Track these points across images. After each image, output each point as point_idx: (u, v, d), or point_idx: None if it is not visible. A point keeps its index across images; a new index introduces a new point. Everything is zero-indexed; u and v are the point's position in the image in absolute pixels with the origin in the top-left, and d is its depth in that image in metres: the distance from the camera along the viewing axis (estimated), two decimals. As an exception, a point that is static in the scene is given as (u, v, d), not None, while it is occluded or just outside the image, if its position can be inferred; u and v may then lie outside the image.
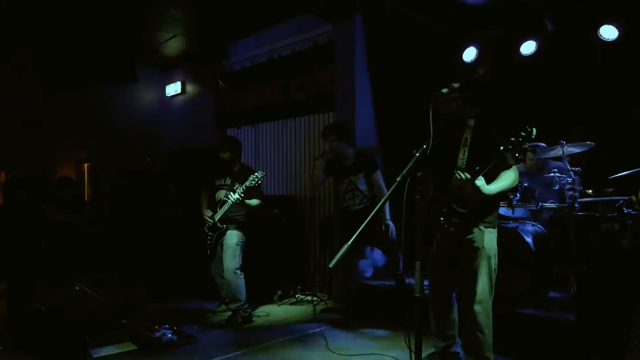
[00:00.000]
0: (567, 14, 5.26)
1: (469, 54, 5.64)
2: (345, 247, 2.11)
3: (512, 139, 2.52)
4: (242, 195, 4.37)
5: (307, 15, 5.95)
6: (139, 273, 5.57)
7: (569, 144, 4.20)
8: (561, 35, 5.24)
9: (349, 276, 4.71)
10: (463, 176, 2.72)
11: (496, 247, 3.00)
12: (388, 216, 4.54)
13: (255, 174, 4.39)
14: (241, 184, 4.43)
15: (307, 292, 5.59)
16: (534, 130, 2.48)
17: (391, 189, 2.28)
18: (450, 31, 5.75)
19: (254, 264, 4.95)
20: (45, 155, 7.34)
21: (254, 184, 4.37)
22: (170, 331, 3.89)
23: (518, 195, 4.27)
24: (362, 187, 4.53)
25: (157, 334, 3.83)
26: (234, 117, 7.28)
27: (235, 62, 7.27)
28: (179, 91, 8.29)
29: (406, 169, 2.30)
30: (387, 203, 4.62)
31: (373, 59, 5.42)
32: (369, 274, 5.33)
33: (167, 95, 8.55)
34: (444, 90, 2.70)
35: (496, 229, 3.04)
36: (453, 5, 5.40)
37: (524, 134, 2.50)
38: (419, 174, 2.34)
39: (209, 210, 4.74)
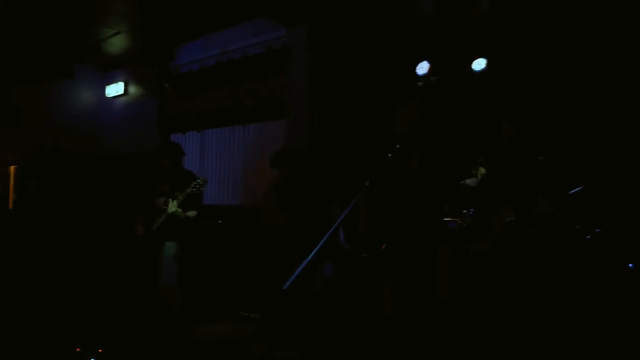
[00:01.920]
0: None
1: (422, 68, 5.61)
2: (302, 265, 1.91)
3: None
4: (180, 208, 4.06)
5: (260, 19, 5.75)
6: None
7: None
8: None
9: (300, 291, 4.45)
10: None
11: None
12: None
13: (197, 180, 4.08)
14: (182, 191, 4.10)
15: (251, 310, 5.27)
16: None
17: (358, 195, 2.19)
18: (402, 43, 5.70)
19: (195, 277, 4.60)
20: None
21: (195, 191, 4.05)
22: (95, 357, 3.48)
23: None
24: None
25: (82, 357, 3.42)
26: (179, 122, 6.92)
27: (182, 64, 6.93)
28: (121, 92, 7.81)
29: (375, 173, 2.15)
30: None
31: (326, 66, 5.26)
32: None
33: (107, 95, 8.03)
34: (419, 84, 2.55)
35: None
36: (405, 17, 5.38)
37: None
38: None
39: (144, 226, 4.36)
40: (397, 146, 2.28)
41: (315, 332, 4.32)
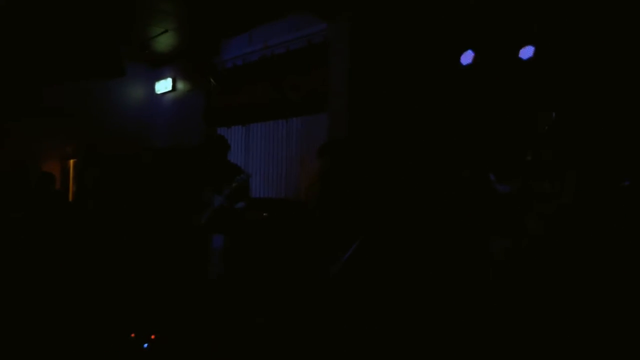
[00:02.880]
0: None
1: (467, 58, 5.49)
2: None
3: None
4: (227, 200, 4.18)
5: (301, 13, 5.78)
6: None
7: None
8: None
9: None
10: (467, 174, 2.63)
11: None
12: None
13: (241, 175, 4.20)
14: (227, 185, 4.24)
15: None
16: None
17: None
18: (447, 33, 5.59)
19: (242, 270, 4.74)
20: (28, 151, 7.12)
21: (238, 186, 4.18)
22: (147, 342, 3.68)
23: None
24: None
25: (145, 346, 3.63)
26: (224, 116, 7.10)
27: (227, 59, 7.09)
28: (170, 88, 8.09)
29: None
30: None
31: (368, 59, 5.24)
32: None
33: (156, 92, 8.34)
34: None
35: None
36: (450, 6, 5.27)
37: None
38: None
39: (194, 219, 4.54)
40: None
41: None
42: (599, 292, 3.23)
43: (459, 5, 5.34)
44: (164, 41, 7.24)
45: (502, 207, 2.89)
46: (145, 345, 3.70)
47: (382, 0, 5.09)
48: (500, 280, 2.88)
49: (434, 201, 2.99)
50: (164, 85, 8.19)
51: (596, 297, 3.21)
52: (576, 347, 2.72)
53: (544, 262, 2.73)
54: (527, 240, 2.85)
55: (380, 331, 2.86)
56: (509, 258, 2.86)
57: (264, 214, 5.44)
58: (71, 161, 7.94)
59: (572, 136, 3.03)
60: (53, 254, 4.96)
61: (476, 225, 3.03)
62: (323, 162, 4.15)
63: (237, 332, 4.45)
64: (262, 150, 6.56)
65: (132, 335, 3.79)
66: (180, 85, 8.04)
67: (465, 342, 2.86)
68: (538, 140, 2.57)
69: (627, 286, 3.26)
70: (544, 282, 2.76)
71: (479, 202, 2.87)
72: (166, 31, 6.84)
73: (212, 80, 7.27)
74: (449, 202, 2.92)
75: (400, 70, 5.26)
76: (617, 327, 3.12)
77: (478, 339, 2.84)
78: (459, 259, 3.07)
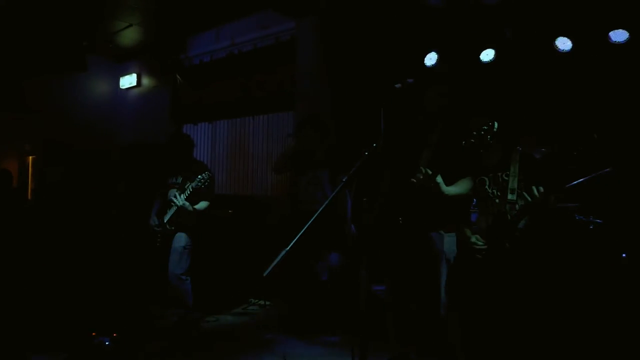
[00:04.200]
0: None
1: (431, 59, 5.62)
2: (282, 253, 2.00)
3: (475, 132, 2.53)
4: (187, 202, 4.18)
5: (269, 10, 5.80)
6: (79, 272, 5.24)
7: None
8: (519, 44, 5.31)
9: (306, 279, 4.58)
10: (425, 171, 2.74)
11: (455, 251, 2.97)
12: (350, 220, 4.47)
13: (203, 174, 4.18)
14: (191, 183, 4.22)
15: (261, 298, 5.41)
16: (496, 124, 2.50)
17: (336, 189, 2.27)
18: (412, 34, 5.71)
19: (205, 268, 4.74)
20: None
21: (201, 186, 4.17)
22: (109, 339, 3.64)
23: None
24: (326, 185, 4.41)
25: (95, 341, 3.58)
26: (191, 113, 7.04)
27: (194, 56, 7.03)
28: (134, 84, 7.95)
29: (355, 168, 2.24)
30: (349, 205, 4.55)
31: (334, 57, 5.30)
32: (324, 277, 5.21)
33: (121, 87, 8.18)
34: (397, 85, 2.63)
35: (454, 234, 3.01)
36: (415, 8, 5.38)
37: (486, 127, 2.52)
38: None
39: (155, 218, 4.51)
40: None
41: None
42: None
43: (425, 9, 5.48)
44: (129, 36, 7.11)
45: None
46: (107, 342, 3.66)
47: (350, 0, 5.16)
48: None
49: (399, 198, 3.07)
50: (128, 81, 8.04)
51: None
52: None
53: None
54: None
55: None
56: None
57: (229, 211, 5.43)
58: (30, 158, 7.71)
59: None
60: (9, 252, 4.81)
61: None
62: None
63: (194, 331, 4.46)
64: (228, 147, 6.55)
65: (93, 334, 3.75)
66: (145, 81, 7.91)
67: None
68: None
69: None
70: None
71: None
72: (130, 25, 6.73)
73: (178, 76, 7.19)
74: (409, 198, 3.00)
75: (366, 70, 5.35)
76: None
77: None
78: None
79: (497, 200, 2.88)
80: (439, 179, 2.75)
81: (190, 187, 4.19)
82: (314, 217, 2.19)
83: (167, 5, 6.05)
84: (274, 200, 5.72)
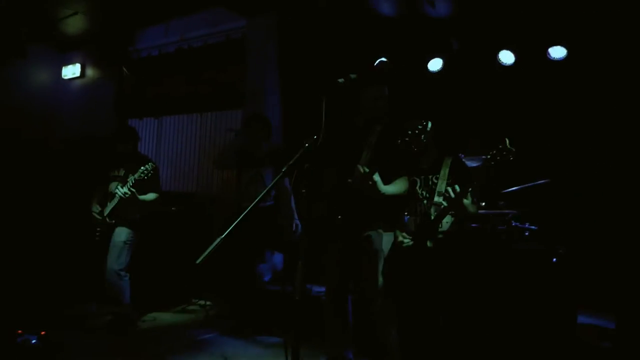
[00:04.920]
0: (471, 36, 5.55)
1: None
2: (216, 241, 1.97)
3: (409, 132, 2.59)
4: (132, 189, 4.02)
5: (221, 8, 5.72)
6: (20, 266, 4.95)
7: (467, 158, 4.36)
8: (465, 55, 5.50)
9: (247, 280, 4.52)
10: (362, 170, 2.76)
11: (389, 250, 3.04)
12: (296, 215, 4.47)
13: (146, 165, 4.06)
14: (134, 174, 4.09)
15: (201, 297, 5.29)
16: (429, 123, 2.57)
17: (275, 179, 2.28)
18: (363, 40, 5.79)
19: (145, 265, 4.59)
20: None
21: (144, 177, 4.05)
22: (36, 337, 3.45)
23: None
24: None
25: (19, 340, 3.37)
26: (136, 107, 6.83)
27: (142, 49, 6.83)
28: (78, 74, 7.61)
29: (293, 160, 2.23)
30: (292, 202, 4.55)
31: (285, 57, 5.31)
32: (267, 278, 5.17)
33: (63, 77, 7.81)
34: (340, 80, 2.64)
35: (393, 233, 3.07)
36: (367, 15, 5.47)
37: (420, 126, 2.59)
38: (306, 165, 2.29)
39: (97, 206, 4.34)
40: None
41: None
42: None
43: (377, 16, 5.58)
44: (74, 24, 6.81)
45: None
46: (34, 340, 3.46)
47: (302, 1, 5.17)
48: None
49: (341, 197, 3.08)
50: (71, 71, 7.69)
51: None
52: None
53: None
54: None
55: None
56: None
57: (172, 208, 5.29)
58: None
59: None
60: None
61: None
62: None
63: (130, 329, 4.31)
64: (174, 143, 6.40)
65: (19, 332, 3.54)
66: (90, 72, 7.59)
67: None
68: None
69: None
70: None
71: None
72: (76, 13, 6.45)
73: (124, 69, 6.96)
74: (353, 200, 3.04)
75: (316, 72, 5.37)
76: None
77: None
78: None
79: (425, 202, 3.04)
80: (376, 177, 2.79)
81: (132, 178, 4.06)
82: (251, 206, 2.16)
83: None
84: (220, 198, 5.62)
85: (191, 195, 5.89)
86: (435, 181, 3.04)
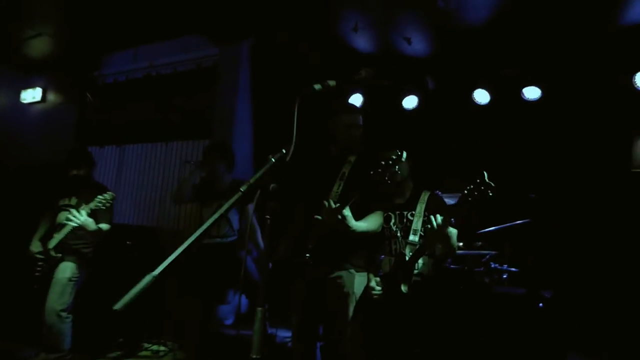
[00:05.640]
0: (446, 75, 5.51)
1: (356, 100, 5.60)
2: (145, 280, 1.47)
3: (382, 162, 2.36)
4: (90, 218, 3.66)
5: (192, 35, 5.54)
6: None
7: (444, 195, 4.18)
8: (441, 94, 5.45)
9: (203, 324, 4.12)
10: (331, 204, 2.50)
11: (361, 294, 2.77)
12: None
13: (103, 195, 3.72)
14: (87, 204, 3.73)
15: (155, 341, 4.82)
16: (404, 154, 2.36)
17: (233, 198, 1.77)
18: (338, 75, 5.66)
19: (91, 306, 4.14)
20: None
21: (101, 206, 3.69)
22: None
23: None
24: (232, 217, 4.08)
25: None
26: (99, 135, 6.47)
27: (108, 74, 6.54)
28: (38, 99, 7.22)
29: (256, 176, 1.88)
30: (259, 237, 4.24)
31: (257, 85, 5.11)
32: (229, 321, 4.77)
33: (22, 101, 7.41)
34: (317, 86, 2.34)
35: (366, 274, 2.80)
36: (344, 48, 5.38)
37: (394, 157, 2.37)
38: (272, 186, 2.00)
39: (38, 243, 3.93)
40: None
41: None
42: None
43: (355, 51, 5.49)
44: (37, 46, 6.50)
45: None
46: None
47: (277, 30, 5.03)
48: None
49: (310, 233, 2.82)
50: (31, 95, 7.29)
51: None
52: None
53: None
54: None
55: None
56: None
57: (127, 242, 4.88)
58: None
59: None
60: None
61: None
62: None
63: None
64: (136, 173, 6.03)
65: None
66: (51, 97, 7.21)
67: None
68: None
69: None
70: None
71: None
72: (40, 35, 6.16)
73: (88, 95, 6.64)
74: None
75: (289, 100, 5.18)
76: None
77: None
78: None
79: (400, 240, 2.78)
80: (346, 212, 2.52)
81: (88, 208, 3.70)
82: (185, 246, 1.57)
83: (82, 20, 5.59)
84: (182, 233, 5.26)
85: (151, 229, 5.49)
86: (411, 218, 2.79)
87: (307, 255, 2.71)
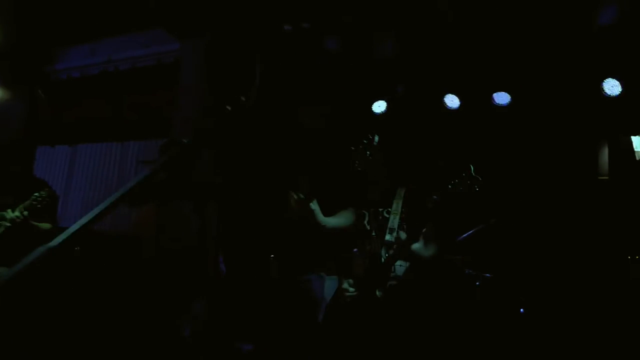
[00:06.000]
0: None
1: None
2: (39, 251, 1.06)
3: (352, 148, 2.18)
4: (25, 213, 3.28)
5: (153, 30, 5.25)
6: None
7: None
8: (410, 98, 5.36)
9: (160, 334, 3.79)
10: (296, 196, 2.31)
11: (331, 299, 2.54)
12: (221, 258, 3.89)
13: (40, 192, 3.37)
14: (24, 201, 3.36)
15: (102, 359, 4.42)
16: (376, 137, 2.18)
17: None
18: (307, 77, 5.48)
19: (29, 318, 3.74)
20: None
21: (37, 205, 3.34)
22: None
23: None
24: (192, 216, 3.78)
25: None
26: (50, 134, 6.05)
27: (62, 70, 6.14)
28: (-16, 94, 6.72)
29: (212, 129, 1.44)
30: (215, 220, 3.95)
31: (219, 82, 4.85)
32: (186, 332, 4.43)
33: (-35, 96, 6.88)
34: (286, 27, 2.09)
35: (337, 277, 2.59)
36: (312, 50, 5.21)
37: (365, 141, 2.18)
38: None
39: None
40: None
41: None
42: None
43: (322, 52, 5.34)
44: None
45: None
46: None
47: (237, 23, 4.80)
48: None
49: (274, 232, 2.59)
50: (-24, 90, 6.79)
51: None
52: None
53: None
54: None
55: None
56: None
57: (76, 247, 4.49)
58: None
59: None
60: None
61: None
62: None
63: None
64: (88, 174, 5.64)
65: None
66: (-2, 93, 6.73)
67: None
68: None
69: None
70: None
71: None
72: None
73: (40, 91, 6.21)
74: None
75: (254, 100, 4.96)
76: None
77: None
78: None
79: (374, 240, 2.55)
80: (314, 205, 2.31)
81: (22, 207, 3.33)
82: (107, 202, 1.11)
83: (33, 8, 5.22)
84: (138, 238, 4.89)
85: (104, 234, 5.08)
86: (387, 215, 2.57)
87: (272, 256, 2.48)
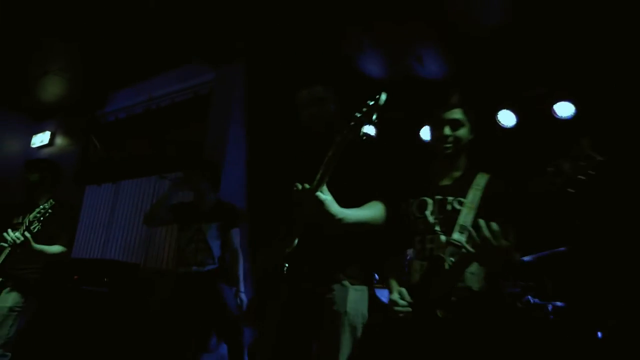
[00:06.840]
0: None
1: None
2: None
3: (357, 114, 1.72)
4: (26, 234, 3.07)
5: (190, 63, 5.29)
6: None
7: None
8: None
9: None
10: (305, 185, 1.78)
11: (366, 314, 2.00)
12: (243, 286, 3.53)
13: (45, 204, 3.20)
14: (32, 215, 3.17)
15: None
16: (383, 95, 1.68)
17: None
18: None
19: (40, 343, 3.54)
20: None
21: (40, 217, 3.14)
22: None
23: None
24: (213, 242, 3.50)
25: None
26: (97, 174, 6.17)
27: (110, 112, 6.34)
28: (46, 142, 7.09)
29: None
30: (241, 267, 3.62)
31: (253, 108, 4.69)
32: None
33: (32, 145, 7.30)
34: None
35: (367, 287, 2.06)
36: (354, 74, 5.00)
37: (371, 102, 1.69)
38: None
39: None
40: None
41: None
42: None
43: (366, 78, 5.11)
44: (47, 88, 6.42)
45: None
46: None
47: (272, 54, 4.68)
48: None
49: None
50: (40, 139, 7.20)
51: None
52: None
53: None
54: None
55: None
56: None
57: (75, 277, 4.26)
58: None
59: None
60: None
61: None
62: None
63: None
64: (129, 209, 5.60)
65: None
66: (59, 141, 7.07)
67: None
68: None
69: None
70: None
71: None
72: (53, 73, 6.05)
73: (92, 136, 6.41)
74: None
75: (285, 125, 4.71)
76: None
77: None
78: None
79: (441, 237, 1.92)
80: (324, 195, 1.77)
81: (27, 220, 3.16)
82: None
83: (93, 57, 5.43)
84: (165, 273, 4.66)
85: (133, 266, 4.89)
86: (458, 207, 1.95)
87: (286, 264, 2.00)
